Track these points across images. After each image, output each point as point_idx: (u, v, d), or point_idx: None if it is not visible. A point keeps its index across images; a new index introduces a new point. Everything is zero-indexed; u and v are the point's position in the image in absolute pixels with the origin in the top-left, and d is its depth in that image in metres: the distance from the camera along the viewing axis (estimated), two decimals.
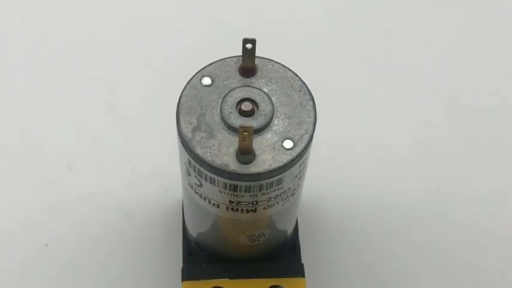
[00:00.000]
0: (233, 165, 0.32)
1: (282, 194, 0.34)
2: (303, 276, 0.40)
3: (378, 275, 0.46)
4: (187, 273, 0.40)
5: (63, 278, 0.45)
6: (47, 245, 0.46)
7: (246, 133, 0.31)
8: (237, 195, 0.34)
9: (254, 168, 0.32)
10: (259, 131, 0.33)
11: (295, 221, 0.41)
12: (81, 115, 0.50)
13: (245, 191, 0.33)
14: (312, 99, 0.34)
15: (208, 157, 0.32)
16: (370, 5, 0.54)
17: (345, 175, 0.48)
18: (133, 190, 0.48)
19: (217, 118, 0.33)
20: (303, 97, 0.34)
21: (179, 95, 0.34)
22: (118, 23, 0.53)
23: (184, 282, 0.39)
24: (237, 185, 0.33)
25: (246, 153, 0.32)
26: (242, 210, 0.35)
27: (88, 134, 0.49)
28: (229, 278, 0.39)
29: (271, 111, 0.33)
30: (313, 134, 0.33)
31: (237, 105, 0.33)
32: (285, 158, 0.32)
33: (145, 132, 0.50)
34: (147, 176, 0.48)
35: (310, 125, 0.33)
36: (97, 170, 0.48)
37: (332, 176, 0.48)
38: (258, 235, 0.37)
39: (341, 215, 0.47)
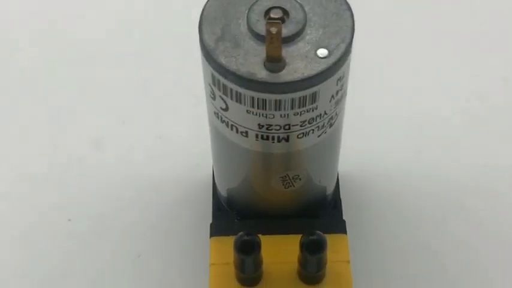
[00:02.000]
0: (261, 74, 0.29)
1: (318, 119, 0.31)
2: (345, 233, 0.36)
3: (430, 249, 0.41)
4: (216, 228, 0.36)
5: (87, 254, 0.42)
6: (70, 220, 0.43)
7: (274, 31, 0.28)
8: (266, 116, 0.30)
9: (284, 76, 0.29)
10: (290, 39, 0.29)
11: (334, 174, 0.37)
12: (108, 93, 0.48)
13: (275, 109, 0.30)
14: (350, 9, 0.30)
15: (233, 66, 0.29)
16: None
17: (394, 148, 0.45)
18: (163, 166, 0.45)
19: (244, 28, 0.30)
20: (339, 7, 0.30)
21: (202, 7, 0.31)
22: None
23: (213, 238, 0.36)
24: (265, 100, 0.29)
25: (275, 60, 0.29)
26: (273, 138, 0.31)
27: (116, 113, 0.47)
28: (262, 234, 0.35)
29: (303, 18, 0.30)
30: (351, 43, 0.30)
31: (265, 14, 0.30)
32: (319, 67, 0.29)
33: (175, 110, 0.47)
34: (178, 152, 0.45)
35: (348, 34, 0.30)
36: (125, 147, 0.45)
37: (381, 148, 0.45)
38: (292, 177, 0.34)
39: (390, 189, 0.43)
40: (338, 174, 0.38)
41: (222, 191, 0.37)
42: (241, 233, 0.33)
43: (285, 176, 0.34)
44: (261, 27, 0.29)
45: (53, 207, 0.43)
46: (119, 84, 0.48)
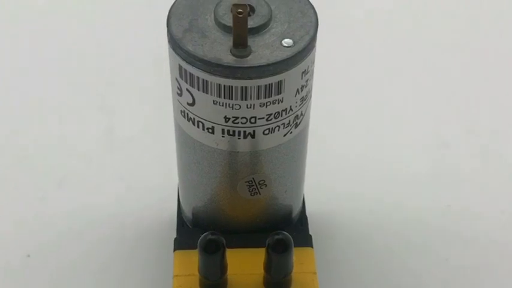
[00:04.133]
0: (227, 59, 0.29)
1: (283, 114, 0.31)
2: (311, 247, 0.35)
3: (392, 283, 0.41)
4: (180, 243, 0.35)
5: None
6: (29, 256, 0.42)
7: (240, 14, 0.29)
8: (232, 106, 0.30)
9: (250, 61, 0.29)
10: (256, 31, 0.30)
11: (300, 187, 0.36)
12: (75, 135, 0.48)
13: (241, 98, 0.30)
14: (313, 8, 0.31)
15: (200, 52, 0.30)
16: None
17: (360, 190, 0.45)
18: (127, 207, 0.44)
19: (211, 22, 0.31)
20: (303, 6, 0.32)
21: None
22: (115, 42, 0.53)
23: (177, 251, 0.35)
24: (232, 87, 0.30)
25: (240, 45, 0.29)
26: (239, 133, 0.31)
27: (82, 153, 0.47)
28: (228, 248, 0.34)
29: (269, 13, 0.31)
30: (315, 36, 0.31)
31: (232, 8, 0.31)
32: (284, 54, 0.30)
33: (141, 153, 0.47)
34: (141, 193, 0.45)
35: (312, 28, 0.31)
36: (89, 186, 0.45)
37: (347, 190, 0.45)
38: (258, 182, 0.33)
39: (358, 230, 0.43)
40: (304, 197, 0.38)
41: (187, 210, 0.37)
42: (206, 233, 0.32)
43: (251, 181, 0.33)
44: (227, 19, 0.30)
45: (12, 243, 0.42)
46: (84, 128, 0.48)
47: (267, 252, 0.32)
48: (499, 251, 0.42)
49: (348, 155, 0.46)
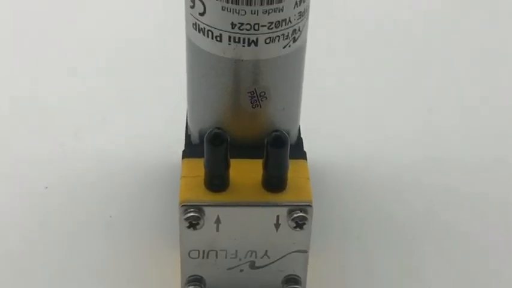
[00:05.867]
0: None
1: (283, 24, 0.36)
2: (305, 160, 0.39)
3: (392, 219, 0.45)
4: (188, 153, 0.39)
5: (61, 218, 0.44)
6: (46, 188, 0.45)
7: None
8: (238, 12, 0.35)
9: None
10: None
11: (297, 109, 0.40)
12: (90, 95, 0.53)
13: (246, 3, 0.35)
14: None
15: None
16: None
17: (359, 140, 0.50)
18: (136, 147, 0.49)
19: None
20: None
21: None
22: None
23: (184, 159, 0.39)
24: None
25: None
26: (244, 40, 0.36)
27: (96, 111, 0.51)
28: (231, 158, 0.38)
29: None
30: None
31: None
32: None
33: (149, 107, 0.52)
34: (151, 135, 0.49)
35: None
36: (103, 139, 0.49)
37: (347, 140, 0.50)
38: (259, 94, 0.38)
39: (352, 173, 0.48)
40: (300, 128, 0.42)
41: (194, 130, 0.40)
42: (211, 129, 0.36)
43: (253, 92, 0.37)
44: None
45: (32, 177, 0.46)
46: (97, 87, 0.53)
47: (266, 149, 0.36)
48: None
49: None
